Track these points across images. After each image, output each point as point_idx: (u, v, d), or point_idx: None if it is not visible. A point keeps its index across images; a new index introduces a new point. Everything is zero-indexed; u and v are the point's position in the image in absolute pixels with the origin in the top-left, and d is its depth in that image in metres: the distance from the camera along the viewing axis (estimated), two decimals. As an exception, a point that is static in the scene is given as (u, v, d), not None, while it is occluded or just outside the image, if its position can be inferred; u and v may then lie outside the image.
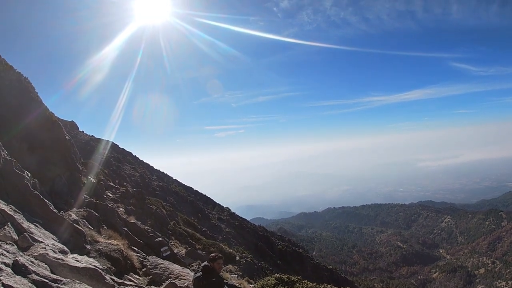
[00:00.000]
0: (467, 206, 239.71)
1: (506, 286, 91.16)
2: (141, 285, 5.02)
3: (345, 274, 70.61)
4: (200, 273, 6.66)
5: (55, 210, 7.78)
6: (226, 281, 7.53)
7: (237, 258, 26.93)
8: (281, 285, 8.57)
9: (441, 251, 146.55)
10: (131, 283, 5.17)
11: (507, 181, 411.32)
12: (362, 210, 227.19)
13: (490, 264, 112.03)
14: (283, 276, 9.13)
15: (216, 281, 6.44)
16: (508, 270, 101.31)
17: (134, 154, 65.12)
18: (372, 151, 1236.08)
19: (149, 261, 9.53)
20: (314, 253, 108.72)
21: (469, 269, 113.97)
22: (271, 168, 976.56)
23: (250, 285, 12.67)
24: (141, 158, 66.08)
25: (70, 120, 53.85)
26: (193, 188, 69.57)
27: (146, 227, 17.78)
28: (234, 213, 68.17)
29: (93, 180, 16.19)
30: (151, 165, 67.04)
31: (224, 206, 68.94)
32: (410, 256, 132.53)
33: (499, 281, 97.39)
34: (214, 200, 70.52)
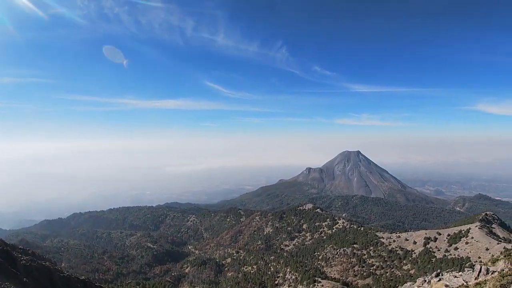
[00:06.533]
0: (210, 206, 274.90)
1: (252, 270, 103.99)
2: None
3: (99, 283, 63.18)
4: None
5: None
6: None
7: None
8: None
9: (189, 247, 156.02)
10: None
11: (244, 185, 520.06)
12: (110, 214, 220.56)
13: (235, 254, 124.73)
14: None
15: None
16: (251, 257, 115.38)
17: None
18: (121, 154, 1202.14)
19: None
20: (63, 264, 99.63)
21: (218, 260, 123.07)
22: (7, 167, 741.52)
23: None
24: None
25: None
26: None
27: None
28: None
29: None
30: None
31: None
32: (161, 255, 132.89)
33: (246, 266, 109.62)
34: None
